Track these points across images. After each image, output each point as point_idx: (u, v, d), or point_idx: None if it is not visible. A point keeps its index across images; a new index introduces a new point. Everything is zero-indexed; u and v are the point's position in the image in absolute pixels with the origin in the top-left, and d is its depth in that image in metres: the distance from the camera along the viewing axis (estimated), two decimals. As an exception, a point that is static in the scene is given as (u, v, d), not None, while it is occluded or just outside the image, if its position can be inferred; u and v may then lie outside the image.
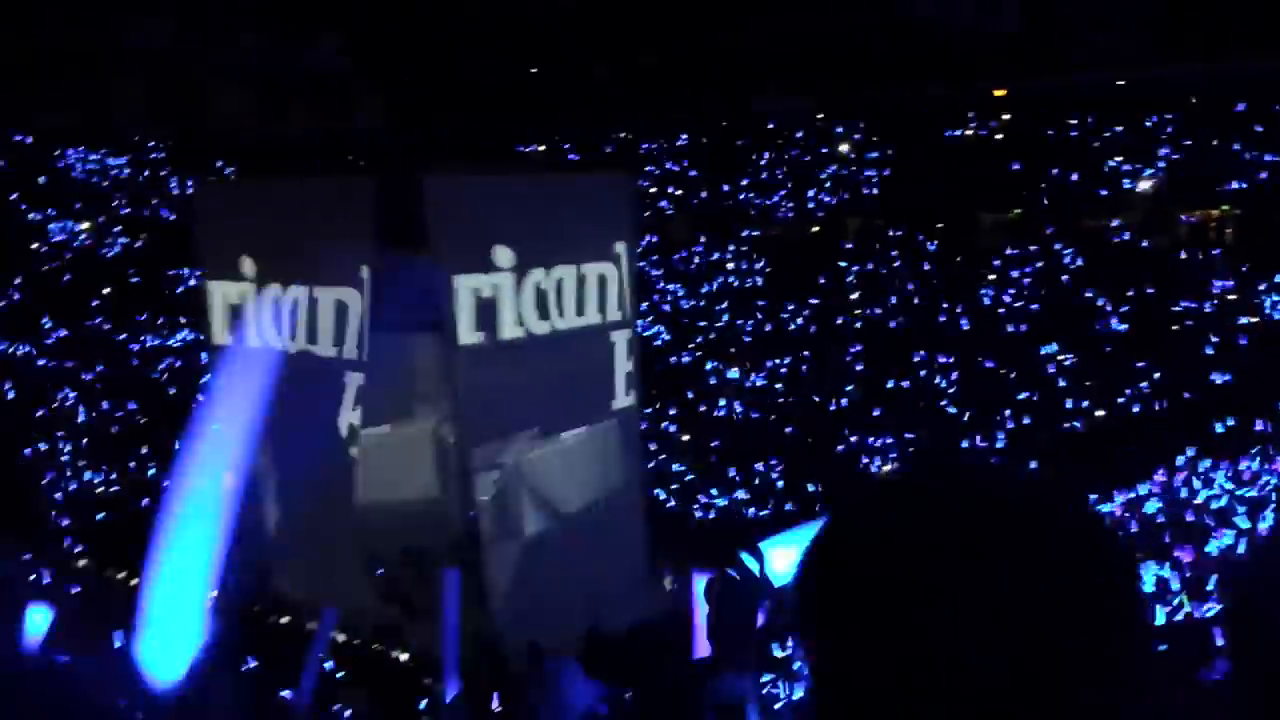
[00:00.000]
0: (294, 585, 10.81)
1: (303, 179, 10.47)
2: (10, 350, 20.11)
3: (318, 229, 9.26)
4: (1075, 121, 25.36)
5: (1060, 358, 19.16)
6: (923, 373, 19.71)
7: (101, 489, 15.40)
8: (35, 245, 23.79)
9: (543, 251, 9.28)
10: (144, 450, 16.25)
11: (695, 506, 15.30)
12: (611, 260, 10.03)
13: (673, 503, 15.27)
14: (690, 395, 19.63)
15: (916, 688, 0.77)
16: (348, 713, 7.55)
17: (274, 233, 9.78)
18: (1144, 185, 24.16)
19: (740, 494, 15.66)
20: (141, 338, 21.22)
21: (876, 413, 18.38)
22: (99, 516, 13.86)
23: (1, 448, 16.29)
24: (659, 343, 21.68)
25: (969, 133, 27.26)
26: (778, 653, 7.22)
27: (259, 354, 9.84)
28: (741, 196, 27.72)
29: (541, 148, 30.16)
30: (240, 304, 10.24)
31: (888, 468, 16.44)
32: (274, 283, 9.81)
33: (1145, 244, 22.71)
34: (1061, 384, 18.42)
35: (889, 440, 17.42)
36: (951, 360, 19.85)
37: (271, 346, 9.93)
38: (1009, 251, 23.40)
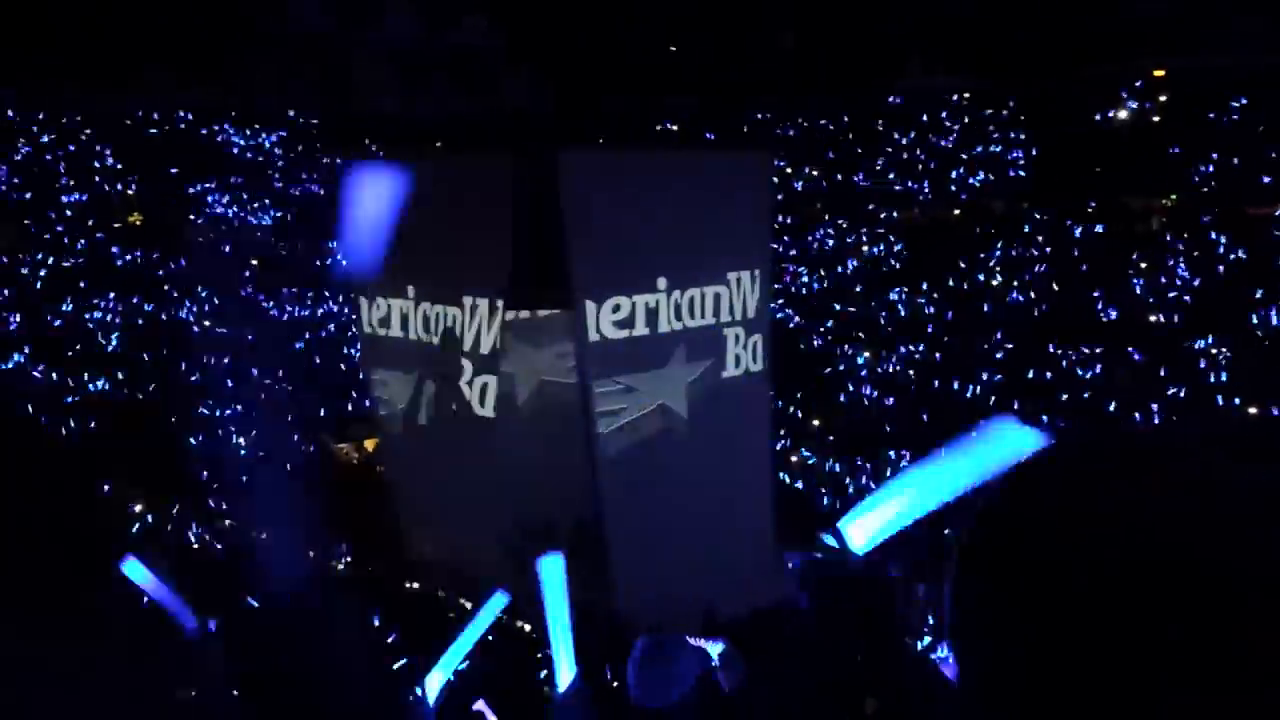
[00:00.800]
0: (429, 554, 11.16)
1: (450, 180, 10.85)
2: (168, 317, 21.09)
3: (467, 239, 10.16)
4: (1236, 105, 24.17)
5: (1213, 350, 18.35)
6: (1066, 363, 19.10)
7: (246, 451, 16.04)
8: (191, 217, 24.86)
9: (684, 276, 10.18)
10: (288, 417, 16.86)
11: (822, 493, 15.16)
12: (743, 273, 10.74)
13: (799, 486, 15.16)
14: (820, 380, 19.42)
15: (1107, 683, 0.73)
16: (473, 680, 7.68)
17: (426, 251, 10.33)
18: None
19: (868, 481, 15.44)
20: (289, 308, 22.00)
21: (1015, 404, 17.88)
22: (244, 478, 14.44)
23: (159, 411, 17.10)
24: (789, 325, 21.49)
25: (1121, 114, 26.23)
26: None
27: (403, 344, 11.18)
28: (881, 178, 27.24)
29: (675, 127, 30.14)
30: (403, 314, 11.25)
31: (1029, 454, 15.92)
32: (426, 301, 10.92)
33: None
34: (1213, 379, 17.64)
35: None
36: (1097, 351, 19.19)
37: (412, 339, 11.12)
38: (1162, 238, 22.50)
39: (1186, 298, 20.58)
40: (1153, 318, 20.33)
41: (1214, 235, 21.84)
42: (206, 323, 20.88)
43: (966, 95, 28.40)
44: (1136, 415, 16.82)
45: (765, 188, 12.05)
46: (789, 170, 27.26)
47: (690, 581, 8.74)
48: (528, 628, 10.15)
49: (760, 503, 11.27)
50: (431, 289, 10.82)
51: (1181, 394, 17.25)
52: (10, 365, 17.52)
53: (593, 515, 10.01)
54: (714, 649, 3.90)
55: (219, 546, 11.94)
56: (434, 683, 4.05)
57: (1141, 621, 0.72)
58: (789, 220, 24.84)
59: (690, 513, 10.05)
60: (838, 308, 22.73)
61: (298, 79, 29.75)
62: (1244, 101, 24.15)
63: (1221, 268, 21.06)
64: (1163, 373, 18.02)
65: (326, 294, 21.82)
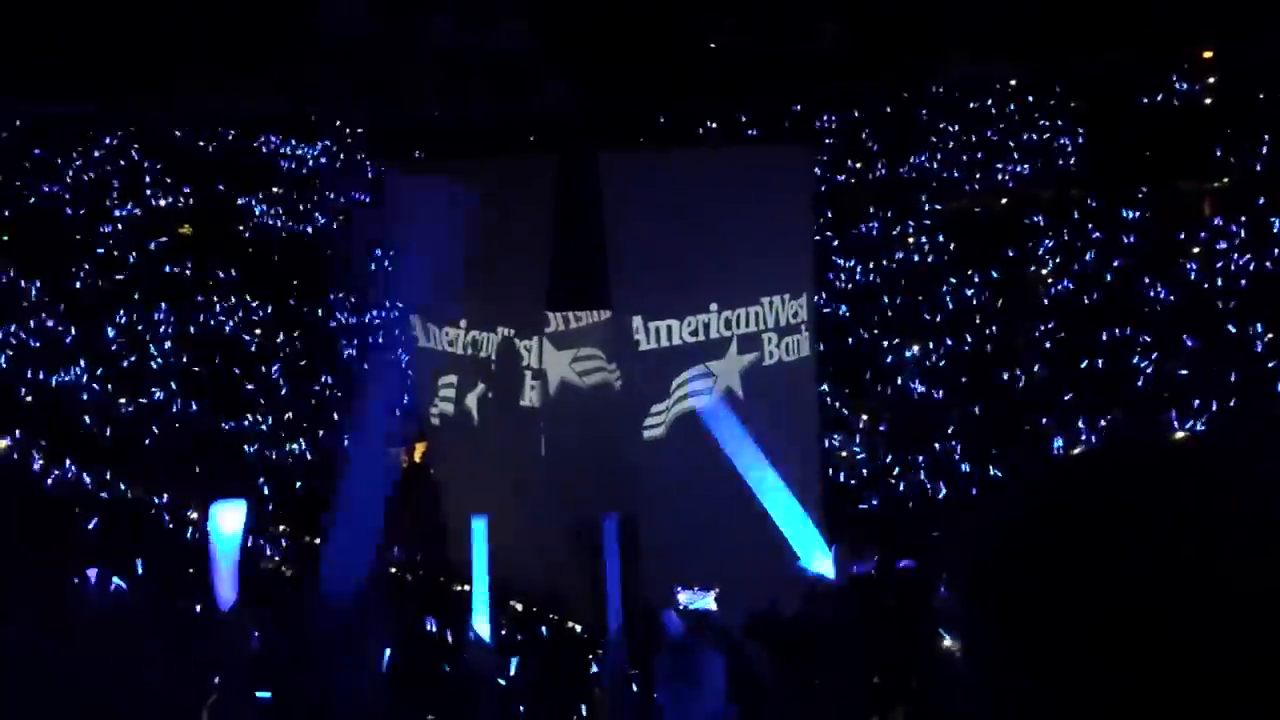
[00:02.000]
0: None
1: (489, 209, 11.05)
2: (219, 326, 21.35)
3: (514, 257, 10.61)
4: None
5: (1268, 336, 17.98)
6: (1118, 352, 18.80)
7: (297, 457, 16.22)
8: (239, 228, 25.19)
9: (728, 297, 10.82)
10: (335, 420, 17.02)
11: (871, 489, 15.06)
12: (776, 297, 11.26)
13: (849, 482, 15.07)
14: (868, 374, 19.27)
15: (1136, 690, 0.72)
16: (518, 679, 7.72)
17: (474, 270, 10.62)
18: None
19: (919, 476, 15.32)
20: (336, 314, 22.19)
21: (1067, 394, 17.64)
22: (297, 484, 14.61)
23: (212, 418, 17.33)
24: (835, 320, 21.32)
25: (1171, 97, 25.80)
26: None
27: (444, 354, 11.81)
28: (926, 168, 26.98)
29: (714, 125, 30.00)
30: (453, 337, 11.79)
31: (1077, 450, 15.72)
32: (475, 330, 11.49)
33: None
34: (1270, 365, 17.29)
35: (1080, 423, 16.68)
36: (1150, 339, 18.88)
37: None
38: (1214, 223, 22.09)
39: (1240, 282, 20.20)
40: (1206, 305, 19.96)
41: (1269, 219, 21.40)
42: (257, 331, 21.13)
43: (1012, 82, 28.08)
44: (1195, 402, 16.51)
45: (806, 193, 12.28)
46: (833, 163, 27.08)
47: (730, 578, 8.72)
48: (579, 628, 10.19)
49: (807, 497, 11.22)
50: (480, 317, 11.31)
51: (1236, 382, 16.92)
52: (66, 378, 17.82)
53: (633, 511, 10.06)
54: (709, 599, 3.90)
55: (275, 556, 12.10)
56: (481, 620, 4.06)
57: (1168, 624, 0.72)
58: (835, 214, 24.65)
59: (734, 507, 10.05)
60: (885, 300, 22.53)
61: (341, 84, 30.00)
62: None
63: (1275, 250, 20.63)
64: (1215, 359, 17.69)
65: (374, 303, 21.96)
